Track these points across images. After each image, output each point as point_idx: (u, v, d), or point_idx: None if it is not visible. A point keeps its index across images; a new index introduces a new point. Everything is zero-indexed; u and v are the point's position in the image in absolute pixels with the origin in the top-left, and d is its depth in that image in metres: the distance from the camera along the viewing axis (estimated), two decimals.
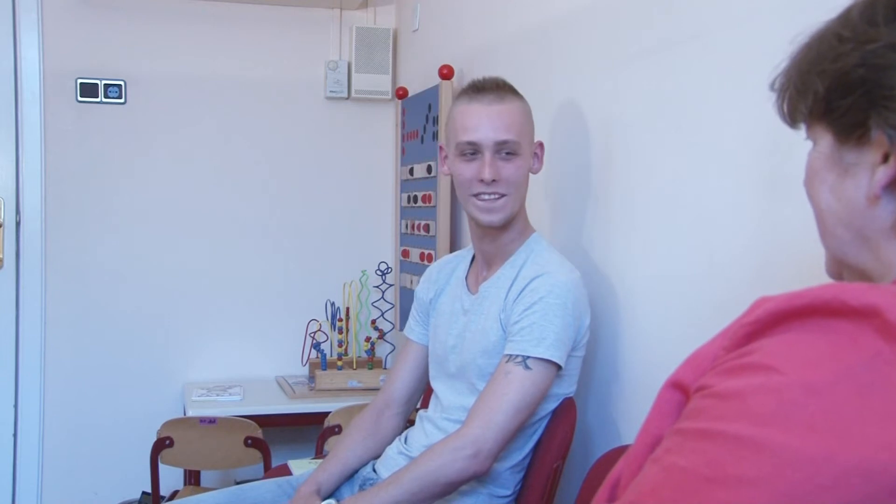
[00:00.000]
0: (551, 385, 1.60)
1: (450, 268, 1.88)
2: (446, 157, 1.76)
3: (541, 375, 1.56)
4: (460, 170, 1.68)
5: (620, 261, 1.78)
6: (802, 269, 1.22)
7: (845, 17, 0.69)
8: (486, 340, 1.66)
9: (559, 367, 1.59)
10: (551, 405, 1.68)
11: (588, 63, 1.91)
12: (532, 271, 1.64)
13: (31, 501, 3.12)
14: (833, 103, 0.69)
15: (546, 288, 1.60)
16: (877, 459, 0.49)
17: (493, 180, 1.64)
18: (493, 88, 1.66)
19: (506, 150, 1.65)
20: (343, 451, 1.81)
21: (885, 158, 0.66)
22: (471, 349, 1.68)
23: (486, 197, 1.66)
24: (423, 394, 1.94)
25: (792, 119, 0.76)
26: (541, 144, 1.76)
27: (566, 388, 1.68)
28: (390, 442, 1.83)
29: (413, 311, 1.91)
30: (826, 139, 0.71)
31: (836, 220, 0.71)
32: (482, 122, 1.64)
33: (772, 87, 0.77)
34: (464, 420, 1.62)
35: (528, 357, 1.55)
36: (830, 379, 0.52)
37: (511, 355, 1.57)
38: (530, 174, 1.73)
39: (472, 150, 1.66)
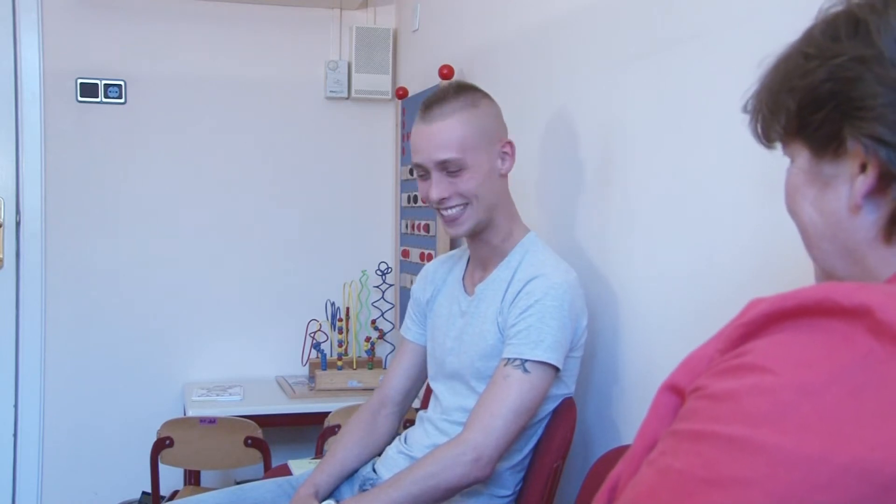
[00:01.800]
0: (550, 387, 1.60)
1: (446, 268, 1.87)
2: None
3: (539, 379, 1.56)
4: (419, 189, 1.72)
5: (620, 261, 1.78)
6: (802, 269, 1.22)
7: (808, 36, 0.72)
8: (483, 343, 1.66)
9: (557, 370, 1.59)
10: (550, 406, 1.68)
11: (588, 63, 1.91)
12: (528, 273, 1.63)
13: (31, 501, 3.12)
14: (806, 119, 0.71)
15: (542, 290, 1.59)
16: (871, 458, 0.49)
17: (443, 198, 1.64)
18: (438, 103, 1.64)
19: (450, 167, 1.63)
20: (340, 452, 1.81)
21: (863, 168, 0.67)
22: (468, 352, 1.68)
23: (447, 212, 1.66)
24: (418, 393, 1.94)
25: (767, 139, 0.78)
26: (509, 143, 1.71)
27: (565, 388, 1.68)
28: (387, 441, 1.84)
29: (409, 311, 1.91)
30: (803, 155, 0.73)
31: (820, 234, 0.73)
32: (424, 142, 1.64)
33: (744, 109, 0.80)
34: (464, 422, 1.62)
35: (527, 360, 1.55)
36: (823, 379, 0.53)
37: (509, 359, 1.57)
38: (500, 174, 1.70)
39: (422, 171, 1.67)
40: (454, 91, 1.66)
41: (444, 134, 1.62)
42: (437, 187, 1.64)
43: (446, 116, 1.63)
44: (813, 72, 0.69)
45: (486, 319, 1.67)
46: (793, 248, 1.25)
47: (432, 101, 1.65)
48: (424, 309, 1.86)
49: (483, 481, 1.56)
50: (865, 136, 0.65)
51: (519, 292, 1.61)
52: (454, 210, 1.65)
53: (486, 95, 1.71)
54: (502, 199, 1.71)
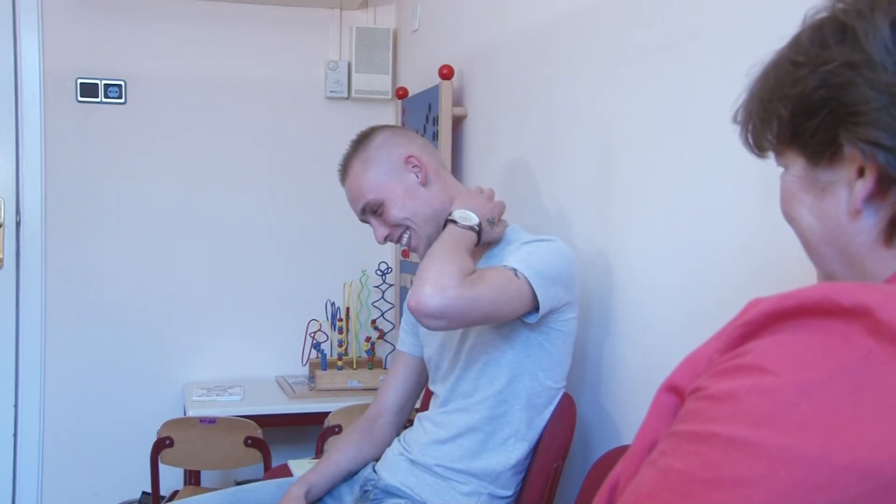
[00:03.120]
0: (524, 305, 1.55)
1: None
2: None
3: (524, 289, 1.54)
4: None
5: (619, 261, 1.78)
6: (802, 268, 1.22)
7: (796, 44, 0.72)
8: None
9: (537, 308, 1.56)
10: (549, 381, 1.67)
11: (588, 63, 1.91)
12: (524, 240, 1.66)
13: (31, 501, 3.13)
14: (800, 127, 0.71)
15: (540, 243, 1.63)
16: (871, 458, 0.49)
17: (386, 236, 1.75)
18: (343, 163, 1.81)
19: (373, 210, 1.74)
20: (334, 454, 1.83)
21: (861, 173, 0.67)
22: (475, 329, 1.68)
23: (399, 245, 1.79)
24: (414, 404, 1.95)
25: (759, 148, 0.78)
26: (411, 157, 1.74)
27: (559, 348, 1.67)
28: (383, 448, 1.85)
29: (403, 324, 1.94)
30: (798, 163, 0.73)
31: (819, 240, 0.73)
32: (348, 200, 1.80)
33: (734, 119, 0.80)
34: (461, 407, 1.67)
35: (517, 270, 1.55)
36: (823, 379, 0.53)
37: (502, 265, 1.57)
38: (423, 187, 1.73)
39: (364, 221, 1.79)
40: (351, 145, 1.81)
41: (353, 187, 1.77)
42: (376, 231, 1.76)
43: (348, 172, 1.79)
44: (804, 79, 0.69)
45: None
46: (792, 248, 1.25)
47: (341, 164, 1.82)
48: (414, 319, 1.88)
49: (419, 312, 1.48)
50: (862, 141, 0.65)
51: (519, 249, 1.63)
52: (404, 240, 1.75)
53: (378, 129, 1.81)
54: (442, 204, 1.72)
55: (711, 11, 1.47)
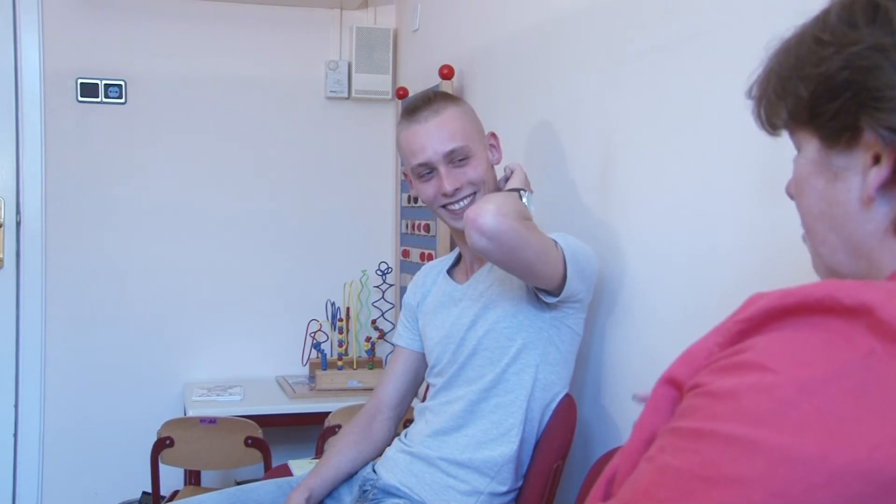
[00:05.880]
0: (553, 278, 1.54)
1: (434, 272, 1.91)
2: (411, 181, 1.80)
3: (559, 263, 1.53)
4: (423, 190, 1.73)
5: (619, 259, 1.78)
6: (801, 266, 1.21)
7: (823, 20, 0.68)
8: (515, 293, 1.65)
9: (558, 288, 1.56)
10: (553, 375, 1.67)
11: (588, 63, 1.91)
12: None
13: (31, 501, 3.12)
14: (819, 108, 0.68)
15: (566, 235, 1.63)
16: (871, 458, 0.49)
17: (456, 189, 1.68)
18: (426, 104, 1.70)
19: (457, 157, 1.68)
20: (335, 456, 1.82)
21: (876, 160, 0.65)
22: (488, 318, 1.68)
23: (456, 206, 1.70)
24: (412, 399, 1.95)
25: (771, 126, 0.75)
26: (493, 135, 1.80)
27: (567, 345, 1.68)
28: (383, 446, 1.85)
29: (401, 318, 1.94)
30: (812, 144, 0.70)
31: (827, 227, 0.70)
32: (426, 140, 1.68)
33: (748, 94, 0.77)
34: (462, 395, 1.66)
35: (558, 243, 1.55)
36: (823, 377, 0.52)
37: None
38: (493, 164, 1.76)
39: (427, 170, 1.70)
40: (433, 95, 1.74)
41: (446, 126, 1.67)
42: (448, 179, 1.67)
43: (440, 112, 1.69)
44: (828, 59, 0.66)
45: (506, 282, 1.67)
46: (792, 246, 1.25)
47: (418, 105, 1.71)
48: (415, 313, 1.88)
49: (474, 224, 1.43)
50: (883, 128, 0.63)
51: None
52: (465, 201, 1.69)
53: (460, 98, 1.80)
54: (498, 188, 1.73)
55: (711, 11, 1.47)
